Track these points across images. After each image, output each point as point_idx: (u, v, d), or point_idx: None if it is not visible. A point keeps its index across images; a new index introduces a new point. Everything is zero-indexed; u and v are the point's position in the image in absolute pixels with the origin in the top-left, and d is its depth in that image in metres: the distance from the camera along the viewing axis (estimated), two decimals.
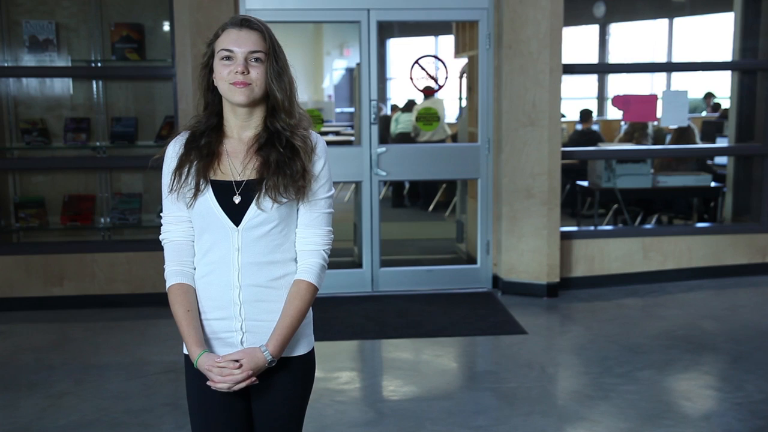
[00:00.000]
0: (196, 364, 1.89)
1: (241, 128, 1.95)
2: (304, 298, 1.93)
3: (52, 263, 5.45)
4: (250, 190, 1.90)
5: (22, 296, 5.43)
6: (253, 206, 1.89)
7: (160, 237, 2.00)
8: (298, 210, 1.95)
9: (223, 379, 1.85)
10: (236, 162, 1.93)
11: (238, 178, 1.91)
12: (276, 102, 1.91)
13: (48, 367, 4.36)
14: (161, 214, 1.99)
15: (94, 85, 5.91)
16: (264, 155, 1.91)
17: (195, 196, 1.90)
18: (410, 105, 9.51)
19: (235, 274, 1.91)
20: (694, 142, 7.27)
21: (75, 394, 3.96)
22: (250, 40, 1.88)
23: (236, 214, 1.89)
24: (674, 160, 7.29)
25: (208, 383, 1.87)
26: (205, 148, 1.92)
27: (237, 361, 1.85)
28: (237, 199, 1.90)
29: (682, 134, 7.16)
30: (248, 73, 1.87)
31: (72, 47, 5.82)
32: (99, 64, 5.84)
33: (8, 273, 5.43)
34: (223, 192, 1.90)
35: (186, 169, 1.91)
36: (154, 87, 5.95)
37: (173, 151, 1.96)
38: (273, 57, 1.89)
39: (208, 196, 1.90)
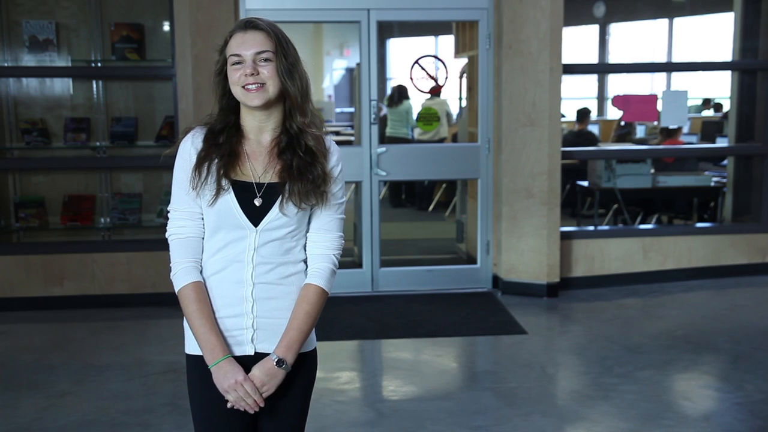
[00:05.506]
0: (212, 365, 1.88)
1: (259, 130, 1.95)
2: (311, 301, 1.94)
3: (52, 263, 5.45)
4: (271, 193, 1.90)
5: (22, 296, 5.43)
6: (275, 209, 1.89)
7: (168, 233, 1.97)
8: (311, 214, 1.96)
9: (236, 397, 1.87)
10: (256, 164, 1.93)
11: (259, 180, 1.92)
12: (290, 100, 1.91)
13: (48, 367, 4.35)
14: (170, 209, 1.97)
15: (94, 85, 5.91)
16: (286, 160, 1.91)
17: (217, 194, 1.89)
18: (400, 98, 8.66)
19: (249, 271, 1.91)
20: (678, 141, 7.28)
21: (75, 394, 3.96)
22: (256, 41, 1.88)
23: (256, 216, 1.90)
24: (674, 160, 7.29)
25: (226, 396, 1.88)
26: (225, 147, 1.92)
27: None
28: (258, 202, 1.90)
29: (670, 135, 7.17)
30: (257, 74, 1.87)
31: (72, 47, 5.82)
32: (99, 64, 5.84)
33: (8, 273, 5.42)
34: (244, 193, 1.90)
35: (206, 167, 1.90)
36: (154, 87, 5.95)
37: (191, 146, 1.94)
38: (281, 54, 1.89)
39: (230, 197, 1.90)
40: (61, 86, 5.93)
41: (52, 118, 5.88)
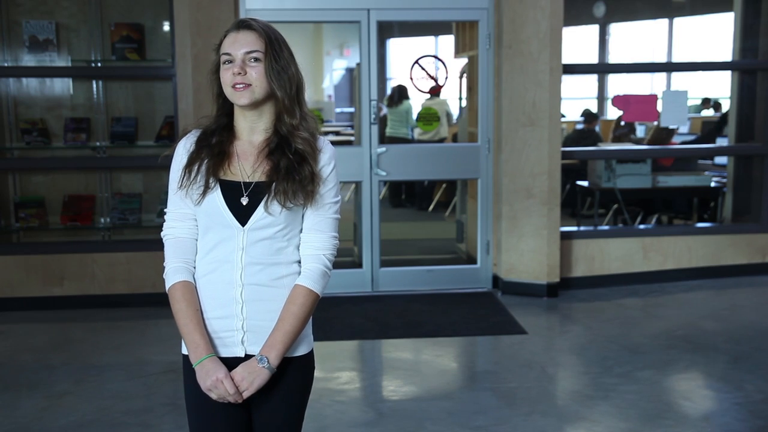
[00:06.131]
0: (196, 364, 1.89)
1: (251, 131, 1.96)
2: (297, 302, 1.93)
3: (52, 263, 5.45)
4: (258, 193, 1.91)
5: (22, 296, 5.43)
6: (260, 208, 1.89)
7: (163, 233, 1.99)
8: (303, 214, 1.96)
9: (219, 394, 1.88)
10: (246, 164, 1.94)
11: (247, 180, 1.92)
12: (278, 102, 1.92)
13: (48, 367, 4.35)
14: (166, 210, 2.00)
15: (94, 85, 5.91)
16: (274, 160, 1.92)
17: (204, 193, 1.90)
18: (399, 98, 8.67)
19: (238, 272, 1.91)
20: (671, 142, 7.30)
21: (75, 394, 3.96)
22: (246, 41, 1.89)
23: (243, 215, 1.90)
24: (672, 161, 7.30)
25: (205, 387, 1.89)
26: (216, 147, 1.94)
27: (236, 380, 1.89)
28: (245, 201, 1.90)
29: (660, 134, 7.18)
30: (245, 73, 1.88)
31: (72, 47, 5.82)
32: (99, 64, 5.84)
33: (8, 273, 5.42)
34: (231, 192, 1.91)
35: (196, 167, 1.92)
36: (154, 87, 5.95)
37: (184, 148, 1.97)
38: (271, 56, 1.90)
39: (216, 195, 1.90)
40: (61, 86, 5.94)
41: (52, 118, 5.88)
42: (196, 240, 1.97)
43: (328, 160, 1.96)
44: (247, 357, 1.93)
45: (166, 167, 2.00)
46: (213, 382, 1.86)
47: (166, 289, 1.96)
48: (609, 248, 5.95)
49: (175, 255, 1.96)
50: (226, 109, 1.97)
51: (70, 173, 5.93)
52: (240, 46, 1.88)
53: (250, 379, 1.88)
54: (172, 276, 1.95)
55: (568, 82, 8.60)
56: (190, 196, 1.93)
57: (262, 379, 1.89)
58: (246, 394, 1.89)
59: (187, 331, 1.91)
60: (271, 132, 1.95)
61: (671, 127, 6.96)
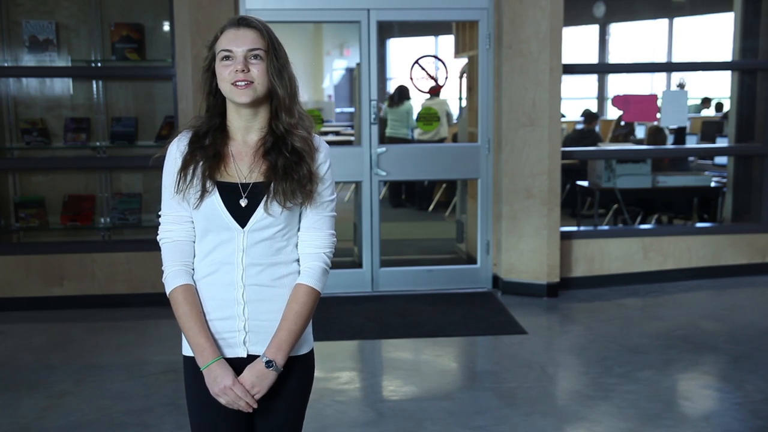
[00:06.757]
0: (203, 368, 1.89)
1: (246, 130, 1.94)
2: (300, 301, 1.93)
3: (52, 263, 5.45)
4: (256, 193, 1.90)
5: (22, 296, 5.43)
6: (260, 209, 1.89)
7: (159, 237, 1.98)
8: (301, 213, 1.95)
9: (228, 400, 1.89)
10: (242, 165, 1.92)
11: (244, 181, 1.91)
12: (278, 101, 1.91)
13: (48, 367, 4.35)
14: (160, 214, 1.98)
15: (94, 85, 5.91)
16: (271, 160, 1.91)
17: (201, 197, 1.89)
18: (400, 98, 8.70)
19: (239, 273, 1.91)
20: (665, 143, 7.30)
21: (75, 394, 3.96)
22: (248, 38, 1.88)
23: (242, 216, 1.89)
24: (669, 160, 7.31)
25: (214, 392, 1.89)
26: (210, 148, 1.91)
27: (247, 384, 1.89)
28: (243, 202, 1.90)
29: (656, 134, 7.19)
30: (248, 71, 1.87)
31: (72, 47, 5.82)
32: (99, 64, 5.84)
33: (8, 273, 5.42)
34: (229, 194, 1.90)
35: (191, 170, 1.90)
36: (154, 87, 5.95)
37: (176, 150, 1.94)
38: (273, 54, 1.89)
39: (215, 198, 1.89)
40: (61, 86, 5.93)
41: (52, 118, 5.88)
42: (194, 242, 1.96)
43: (324, 158, 1.96)
44: (249, 357, 1.93)
45: (160, 168, 1.98)
46: (221, 389, 1.87)
47: (167, 293, 1.95)
48: (609, 248, 5.95)
49: (173, 258, 1.95)
50: (218, 109, 1.95)
51: (70, 173, 5.93)
52: (241, 43, 1.87)
53: (259, 383, 1.89)
54: (173, 280, 1.94)
55: (568, 82, 8.59)
56: (187, 200, 1.92)
57: (271, 381, 1.90)
58: (257, 397, 1.89)
59: (192, 334, 1.90)
60: (266, 131, 1.94)
61: (671, 127, 6.97)
